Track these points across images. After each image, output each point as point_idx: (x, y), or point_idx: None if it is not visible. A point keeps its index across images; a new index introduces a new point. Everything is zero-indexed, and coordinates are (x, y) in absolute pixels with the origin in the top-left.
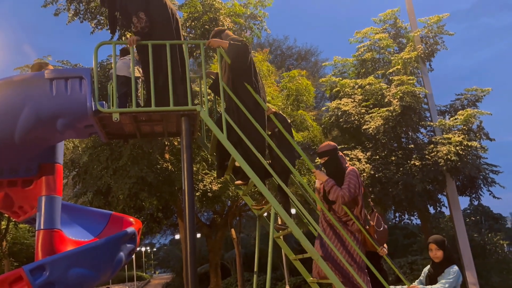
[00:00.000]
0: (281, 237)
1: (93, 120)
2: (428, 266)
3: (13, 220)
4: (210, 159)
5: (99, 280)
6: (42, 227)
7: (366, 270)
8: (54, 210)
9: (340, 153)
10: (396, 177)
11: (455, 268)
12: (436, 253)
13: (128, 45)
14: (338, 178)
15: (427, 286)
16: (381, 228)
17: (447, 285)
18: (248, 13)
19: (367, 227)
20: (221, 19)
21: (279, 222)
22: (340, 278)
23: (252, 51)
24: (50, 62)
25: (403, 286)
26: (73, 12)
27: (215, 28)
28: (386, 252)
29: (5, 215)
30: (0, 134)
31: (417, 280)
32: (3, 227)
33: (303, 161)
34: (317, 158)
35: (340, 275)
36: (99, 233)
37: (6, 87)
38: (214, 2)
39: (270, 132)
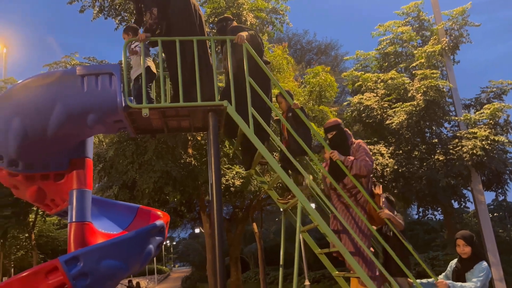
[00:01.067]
0: (306, 231)
1: (122, 116)
2: (455, 261)
3: (40, 213)
4: (231, 154)
5: (129, 272)
6: (74, 220)
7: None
8: (85, 203)
9: (346, 129)
10: (419, 172)
11: (484, 264)
12: (464, 249)
13: (138, 42)
14: (345, 151)
15: (458, 283)
16: (384, 199)
17: (479, 284)
18: (270, 7)
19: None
20: (244, 14)
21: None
22: (352, 249)
23: (270, 45)
24: (77, 59)
25: (428, 280)
26: (98, 9)
27: (221, 17)
28: (386, 216)
29: (33, 208)
30: (33, 130)
31: (442, 274)
32: (31, 220)
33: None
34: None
35: (352, 247)
36: (127, 226)
37: (39, 84)
38: None
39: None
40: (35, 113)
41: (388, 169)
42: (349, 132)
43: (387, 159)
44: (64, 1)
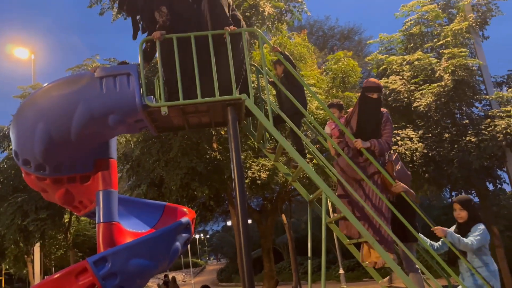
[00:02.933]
0: (333, 222)
1: (142, 115)
2: (453, 227)
3: (74, 213)
4: (256, 147)
5: (157, 270)
6: (101, 221)
7: (386, 216)
8: (112, 203)
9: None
10: (451, 155)
11: (481, 226)
12: (460, 213)
13: (154, 39)
14: (376, 119)
15: (456, 235)
16: (399, 167)
17: (475, 242)
18: None
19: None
20: (261, 4)
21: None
22: (365, 224)
23: (290, 33)
24: (98, 60)
25: (432, 243)
26: (116, 10)
27: None
28: (402, 190)
29: (67, 209)
30: (58, 133)
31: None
32: (66, 220)
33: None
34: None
35: (365, 222)
36: (155, 224)
37: (61, 87)
38: None
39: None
40: (58, 117)
41: (417, 153)
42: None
43: (416, 143)
44: (86, 5)
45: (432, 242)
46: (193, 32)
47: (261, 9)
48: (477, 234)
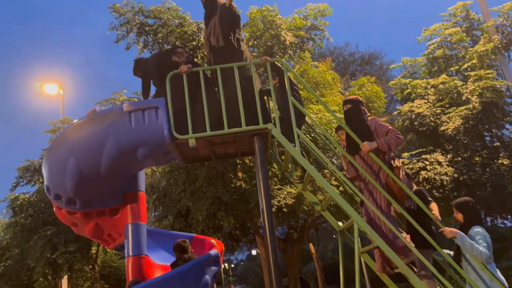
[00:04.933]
0: (365, 252)
1: (170, 147)
2: None
3: (102, 245)
4: (280, 175)
5: None
6: (131, 254)
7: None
8: (141, 236)
9: (363, 107)
10: (483, 178)
11: (475, 229)
12: (456, 216)
13: (181, 73)
14: (360, 125)
15: (468, 239)
16: (403, 173)
17: (488, 252)
18: (309, 24)
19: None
20: (283, 34)
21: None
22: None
23: (315, 62)
24: (125, 94)
25: (449, 252)
26: (142, 45)
27: None
28: (369, 148)
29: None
30: (88, 168)
31: None
32: (94, 252)
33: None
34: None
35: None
36: None
37: (91, 123)
38: (275, 19)
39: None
40: (88, 152)
41: (447, 178)
42: (366, 110)
43: (445, 168)
44: (113, 40)
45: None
46: (219, 65)
47: (283, 39)
48: (477, 238)
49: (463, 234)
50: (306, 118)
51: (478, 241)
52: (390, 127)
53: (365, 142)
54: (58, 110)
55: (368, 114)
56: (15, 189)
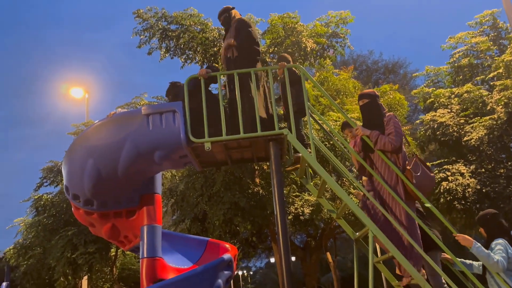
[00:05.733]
0: (381, 261)
1: (187, 151)
2: None
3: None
4: (299, 182)
5: None
6: (145, 256)
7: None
8: (156, 239)
9: (380, 102)
10: (507, 191)
11: (497, 241)
12: (480, 231)
13: (199, 77)
14: (376, 122)
15: (483, 249)
16: (419, 173)
17: (504, 262)
18: (330, 32)
19: (404, 173)
20: (304, 41)
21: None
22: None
23: (337, 70)
24: (146, 98)
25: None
26: (164, 50)
27: (221, 9)
28: (363, 133)
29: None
30: (106, 169)
31: None
32: (113, 254)
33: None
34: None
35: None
36: (197, 260)
37: (110, 125)
38: (296, 26)
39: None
40: (106, 153)
41: (470, 189)
42: (383, 106)
43: (468, 179)
44: (136, 46)
45: (465, 261)
46: (236, 70)
47: (304, 45)
48: (496, 248)
49: (479, 244)
50: (324, 126)
51: (496, 251)
52: (394, 132)
53: (360, 126)
54: (84, 113)
55: (386, 110)
56: (39, 189)
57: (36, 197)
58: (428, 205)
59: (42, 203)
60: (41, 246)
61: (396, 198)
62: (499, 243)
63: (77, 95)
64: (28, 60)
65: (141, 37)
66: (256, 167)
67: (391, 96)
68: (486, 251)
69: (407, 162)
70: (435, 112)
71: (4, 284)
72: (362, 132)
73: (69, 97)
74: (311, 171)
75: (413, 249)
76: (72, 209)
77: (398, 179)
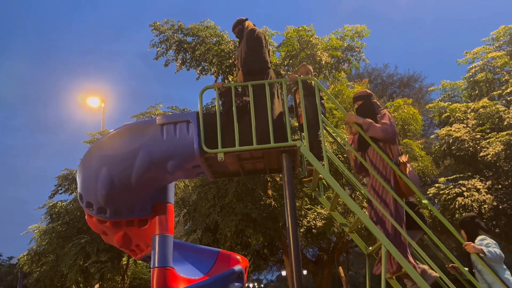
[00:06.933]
0: (394, 277)
1: (200, 161)
2: None
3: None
4: (312, 195)
5: None
6: (156, 265)
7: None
8: (167, 248)
9: (375, 100)
10: None
11: (478, 237)
12: (462, 233)
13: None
14: (374, 120)
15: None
16: (411, 168)
17: (494, 250)
18: (345, 45)
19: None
20: (319, 54)
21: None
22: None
23: (351, 83)
24: (161, 108)
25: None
26: (180, 62)
27: (235, 22)
28: (354, 120)
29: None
30: (119, 177)
31: None
32: (124, 263)
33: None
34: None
35: (381, 228)
36: (208, 271)
37: (124, 134)
38: (311, 39)
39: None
40: (120, 162)
41: (486, 205)
42: (378, 103)
43: (484, 195)
44: (153, 56)
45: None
46: (251, 81)
47: (318, 58)
48: (484, 242)
49: (489, 250)
50: (338, 139)
51: (488, 245)
52: (388, 122)
53: (351, 113)
54: (100, 122)
55: (382, 107)
56: (54, 197)
57: (51, 204)
58: (425, 201)
59: (56, 210)
60: (54, 253)
61: (387, 188)
62: (483, 238)
63: (94, 104)
64: (46, 69)
65: (158, 49)
66: (268, 179)
67: (405, 111)
68: (492, 250)
69: (401, 157)
70: (451, 126)
71: None
72: (354, 119)
73: (86, 106)
74: (325, 182)
75: (401, 237)
76: (86, 217)
77: (392, 173)
